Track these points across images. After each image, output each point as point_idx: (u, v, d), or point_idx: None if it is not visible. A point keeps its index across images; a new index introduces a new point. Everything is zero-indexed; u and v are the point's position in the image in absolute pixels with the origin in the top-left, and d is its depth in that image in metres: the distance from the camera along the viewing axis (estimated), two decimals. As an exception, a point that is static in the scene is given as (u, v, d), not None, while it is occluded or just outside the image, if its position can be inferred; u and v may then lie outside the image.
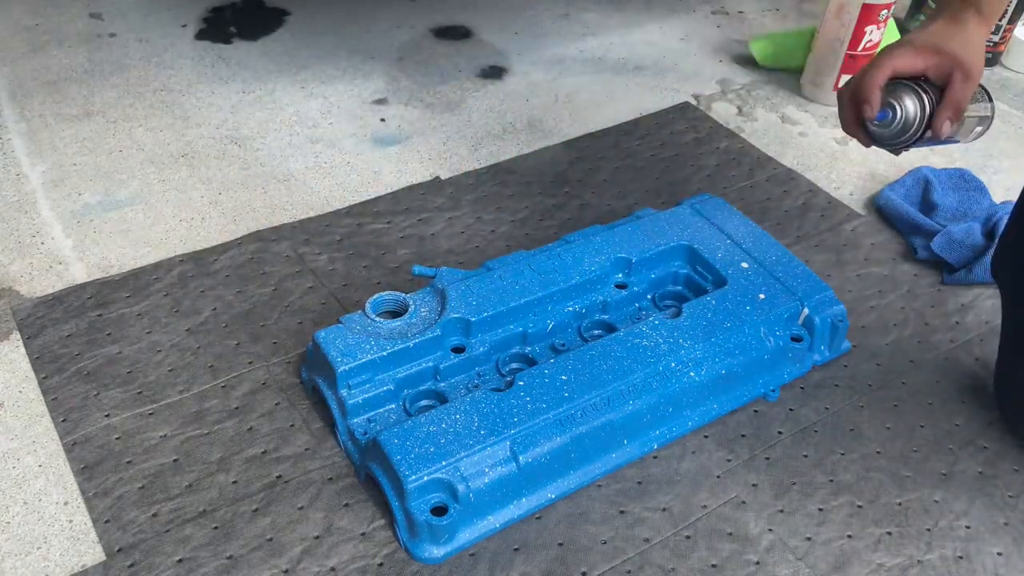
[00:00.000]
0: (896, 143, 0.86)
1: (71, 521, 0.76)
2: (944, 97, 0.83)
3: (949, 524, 0.79)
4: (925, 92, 0.84)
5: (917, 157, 1.23)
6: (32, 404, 0.85)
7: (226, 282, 0.98)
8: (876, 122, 0.85)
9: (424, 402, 0.83)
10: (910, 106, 0.83)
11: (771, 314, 0.87)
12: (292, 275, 1.00)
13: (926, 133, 0.85)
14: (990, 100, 0.91)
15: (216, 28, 1.44)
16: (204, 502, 0.77)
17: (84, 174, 1.13)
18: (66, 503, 0.77)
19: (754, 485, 0.81)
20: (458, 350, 0.85)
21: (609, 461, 0.80)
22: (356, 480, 0.79)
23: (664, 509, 0.78)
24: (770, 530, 0.77)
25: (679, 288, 0.96)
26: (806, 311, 0.89)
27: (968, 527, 0.78)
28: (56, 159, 1.15)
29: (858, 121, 0.86)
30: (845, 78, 1.29)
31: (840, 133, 1.28)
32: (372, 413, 0.81)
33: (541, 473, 0.77)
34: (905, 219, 1.09)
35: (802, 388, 0.90)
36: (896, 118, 0.84)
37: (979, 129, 0.92)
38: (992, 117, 0.92)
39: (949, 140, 0.89)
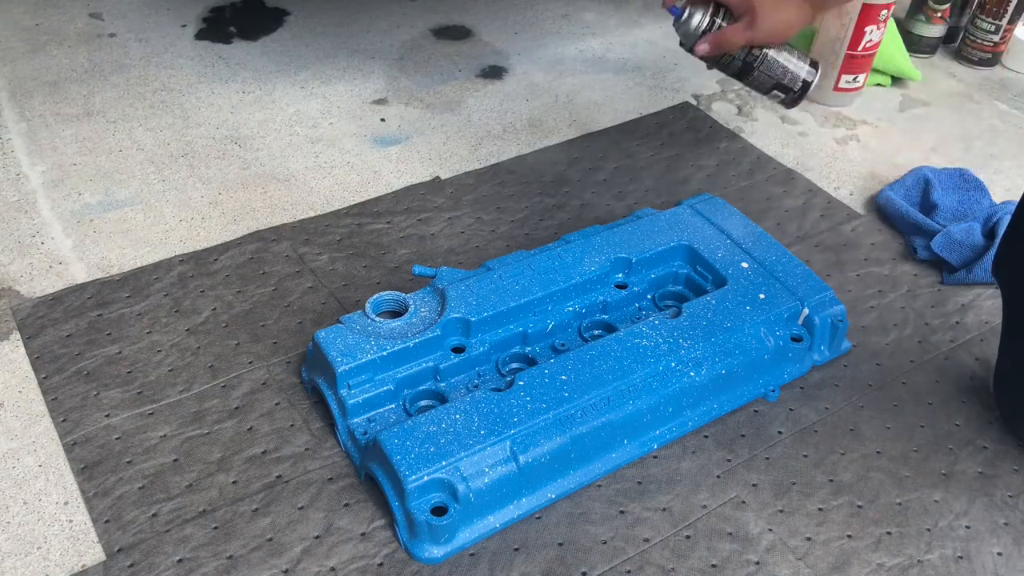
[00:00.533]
0: (682, 44, 0.98)
1: (71, 521, 0.76)
2: (720, 29, 0.94)
3: (949, 524, 0.79)
4: (716, 16, 0.94)
5: (917, 157, 1.23)
6: (32, 404, 0.85)
7: (226, 282, 0.98)
8: (671, 15, 0.96)
9: (424, 402, 0.83)
10: (695, 18, 0.94)
11: (771, 314, 0.87)
12: (292, 275, 1.00)
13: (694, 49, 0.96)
14: (805, 82, 0.98)
15: (216, 28, 1.44)
16: (204, 502, 0.77)
17: (84, 174, 1.13)
18: (66, 503, 0.77)
19: (754, 485, 0.81)
20: (458, 350, 0.85)
21: (609, 461, 0.80)
22: (356, 480, 0.79)
23: (664, 509, 0.78)
24: (770, 530, 0.77)
25: (679, 288, 0.96)
26: (806, 311, 0.89)
27: (968, 527, 0.78)
28: (56, 159, 1.15)
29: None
30: (845, 78, 1.30)
31: (840, 133, 1.28)
32: (372, 413, 0.81)
33: (541, 473, 0.77)
34: (905, 219, 1.09)
35: (802, 388, 0.90)
36: (680, 21, 0.95)
37: (778, 93, 1.00)
38: (797, 93, 0.99)
39: (744, 79, 0.99)
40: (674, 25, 0.96)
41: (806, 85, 0.98)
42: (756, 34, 0.93)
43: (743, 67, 0.97)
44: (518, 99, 1.31)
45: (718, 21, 0.94)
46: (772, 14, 0.92)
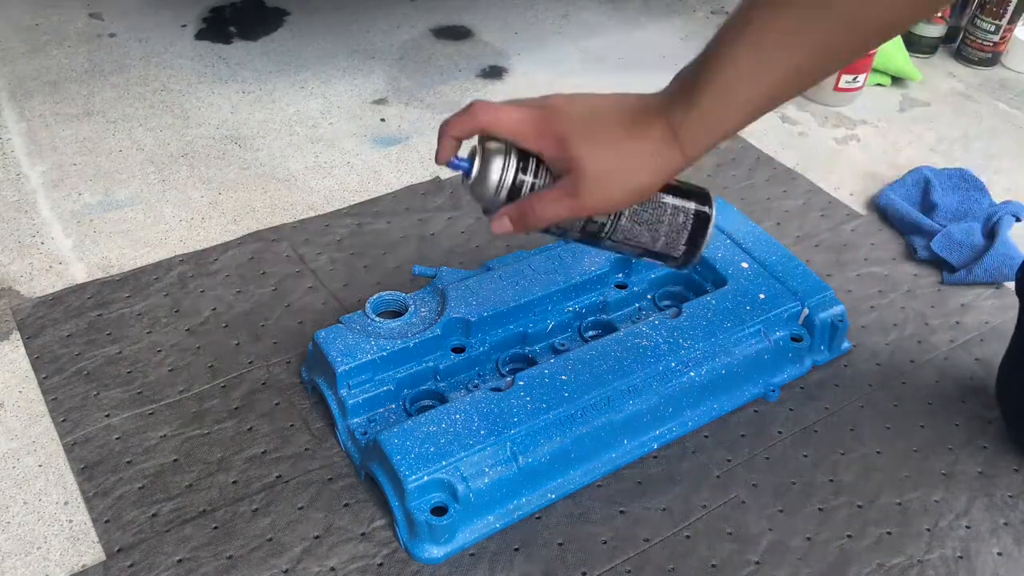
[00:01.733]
0: (485, 212, 0.65)
1: (71, 521, 0.76)
2: (528, 196, 0.61)
3: (949, 524, 0.79)
4: (527, 171, 0.61)
5: (917, 157, 1.23)
6: (32, 404, 0.85)
7: (226, 282, 0.98)
8: (457, 172, 0.64)
9: (424, 402, 0.83)
10: (492, 174, 0.61)
11: (771, 314, 0.87)
12: (292, 275, 1.00)
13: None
14: (691, 242, 0.66)
15: (216, 28, 1.44)
16: (204, 502, 0.77)
17: (84, 174, 1.13)
18: (66, 503, 0.77)
19: (754, 485, 0.81)
20: (458, 350, 0.85)
21: (609, 461, 0.80)
22: (356, 480, 0.79)
23: (664, 509, 0.78)
24: (770, 530, 0.77)
25: (679, 288, 0.96)
26: (806, 311, 0.89)
27: (968, 527, 0.78)
28: (56, 159, 1.15)
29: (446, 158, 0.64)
30: (845, 78, 1.30)
31: (840, 133, 1.28)
32: (372, 413, 0.81)
33: (541, 473, 0.76)
34: (905, 219, 1.09)
35: (802, 388, 0.90)
36: (469, 178, 0.62)
37: (653, 261, 0.68)
38: (681, 259, 0.67)
39: (596, 247, 0.68)
40: (464, 185, 0.64)
41: (694, 242, 0.65)
42: (582, 205, 0.60)
43: (582, 237, 0.66)
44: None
45: (529, 179, 0.61)
46: (604, 178, 0.59)
